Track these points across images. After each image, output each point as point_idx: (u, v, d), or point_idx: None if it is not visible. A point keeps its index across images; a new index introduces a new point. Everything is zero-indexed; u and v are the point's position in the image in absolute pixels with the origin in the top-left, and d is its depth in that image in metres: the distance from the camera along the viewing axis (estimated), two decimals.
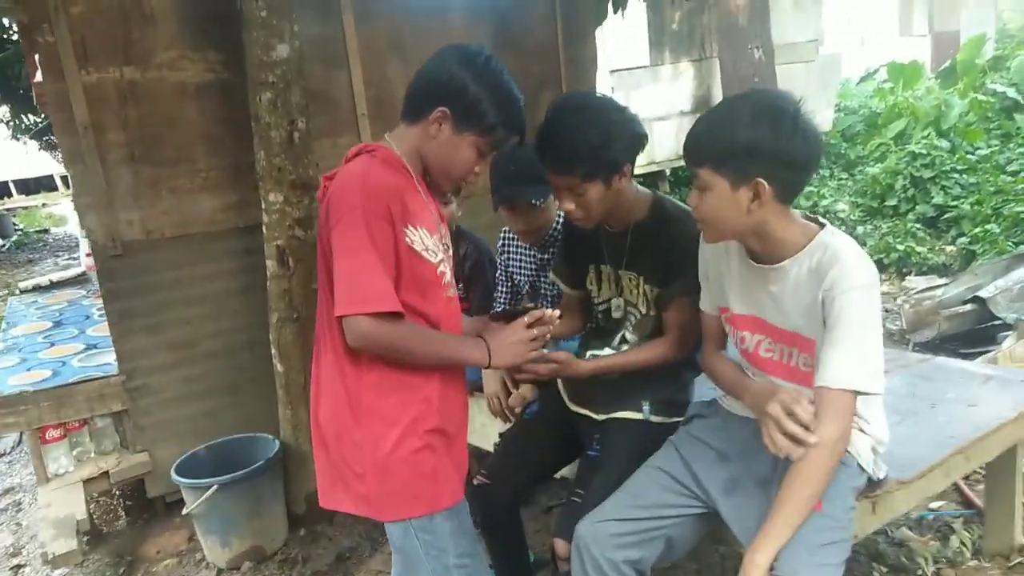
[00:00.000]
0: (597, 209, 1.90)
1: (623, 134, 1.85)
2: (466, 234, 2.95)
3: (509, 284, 2.75)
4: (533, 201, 2.31)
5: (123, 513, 3.70)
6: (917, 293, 4.93)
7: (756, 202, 1.55)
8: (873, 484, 1.75)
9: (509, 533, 2.27)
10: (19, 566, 3.38)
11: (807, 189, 7.75)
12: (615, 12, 4.69)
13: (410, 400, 1.64)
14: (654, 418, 2.01)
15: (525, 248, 2.64)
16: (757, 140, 1.51)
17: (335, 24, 3.55)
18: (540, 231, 2.48)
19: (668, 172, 9.36)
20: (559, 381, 2.23)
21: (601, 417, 2.08)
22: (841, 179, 8.59)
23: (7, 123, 12.36)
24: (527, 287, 2.67)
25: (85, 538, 3.33)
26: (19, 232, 13.47)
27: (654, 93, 8.92)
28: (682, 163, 8.81)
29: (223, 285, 3.47)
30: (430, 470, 1.66)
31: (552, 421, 2.20)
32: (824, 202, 7.05)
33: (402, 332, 1.58)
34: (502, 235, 2.74)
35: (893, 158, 7.72)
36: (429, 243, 1.65)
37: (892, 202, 7.11)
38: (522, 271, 2.68)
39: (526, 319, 1.73)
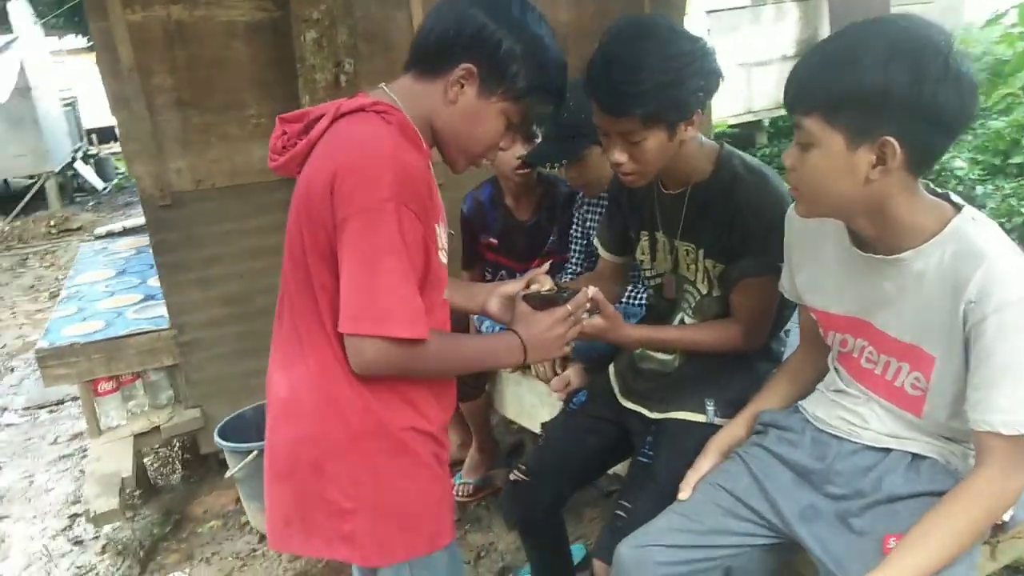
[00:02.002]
0: (654, 164, 1.56)
1: (698, 70, 1.49)
2: (553, 178, 2.64)
3: (584, 243, 2.46)
4: (547, 166, 2.10)
5: (180, 467, 3.65)
6: None
7: (880, 168, 1.18)
8: (995, 527, 1.41)
9: (549, 535, 2.01)
10: (76, 515, 3.36)
11: None
12: None
13: (421, 419, 1.37)
14: (718, 421, 1.69)
15: (594, 203, 2.35)
16: (892, 84, 1.12)
17: None
18: (594, 185, 2.19)
19: (767, 122, 8.76)
20: (611, 371, 1.94)
21: (655, 416, 1.78)
22: None
23: None
24: None
25: (138, 492, 3.30)
26: (120, 176, 13.80)
27: (754, 35, 8.31)
28: (783, 112, 8.30)
29: (276, 239, 3.25)
30: (435, 502, 1.41)
31: (600, 416, 1.91)
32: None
33: (423, 354, 1.29)
34: None
35: (1021, 110, 6.96)
36: (444, 240, 1.38)
37: (1018, 159, 6.40)
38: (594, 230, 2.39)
39: (569, 307, 1.43)
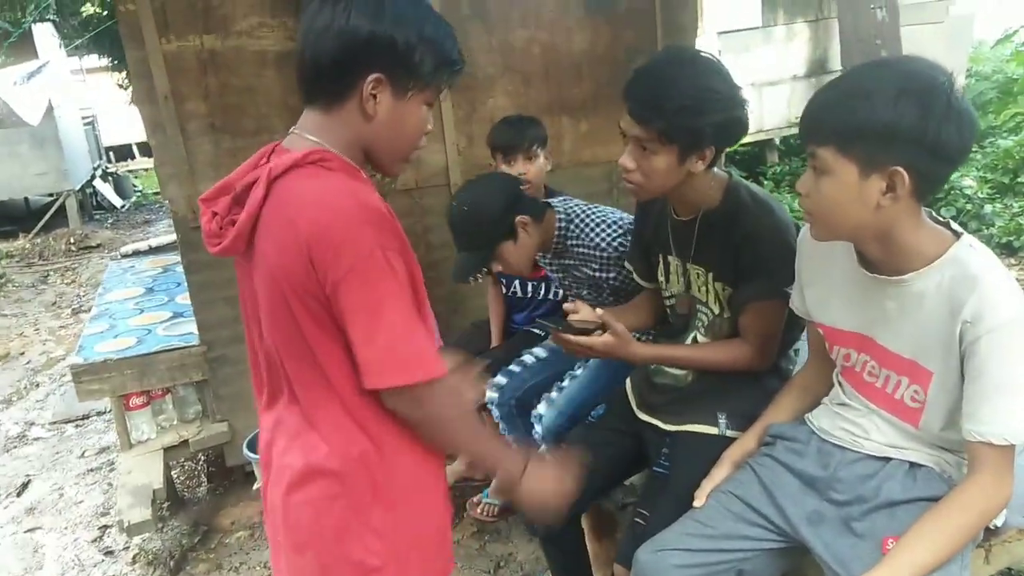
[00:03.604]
0: (657, 182, 1.68)
1: (721, 110, 1.61)
2: (559, 192, 2.73)
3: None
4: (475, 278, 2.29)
5: (205, 479, 3.76)
6: None
7: (890, 195, 1.29)
8: (988, 532, 1.51)
9: (569, 545, 2.11)
10: (106, 526, 3.47)
11: None
12: None
13: (431, 455, 1.38)
14: (730, 433, 1.79)
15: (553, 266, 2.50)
16: (902, 120, 1.24)
17: None
18: (519, 268, 2.29)
19: (778, 141, 8.87)
20: (628, 385, 2.04)
21: (670, 428, 1.88)
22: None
23: (125, 88, 12.89)
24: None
25: (166, 504, 3.41)
26: (138, 193, 14.03)
27: (765, 56, 8.44)
28: (794, 131, 8.38)
29: None
30: (444, 533, 1.44)
31: (617, 428, 2.01)
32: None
33: (452, 405, 1.29)
34: None
35: None
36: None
37: None
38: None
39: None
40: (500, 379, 2.58)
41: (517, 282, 2.85)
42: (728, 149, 1.71)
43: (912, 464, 1.47)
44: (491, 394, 2.54)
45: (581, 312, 1.78)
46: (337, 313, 1.22)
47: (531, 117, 2.83)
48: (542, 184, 2.71)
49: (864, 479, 1.48)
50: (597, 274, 2.25)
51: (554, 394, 2.37)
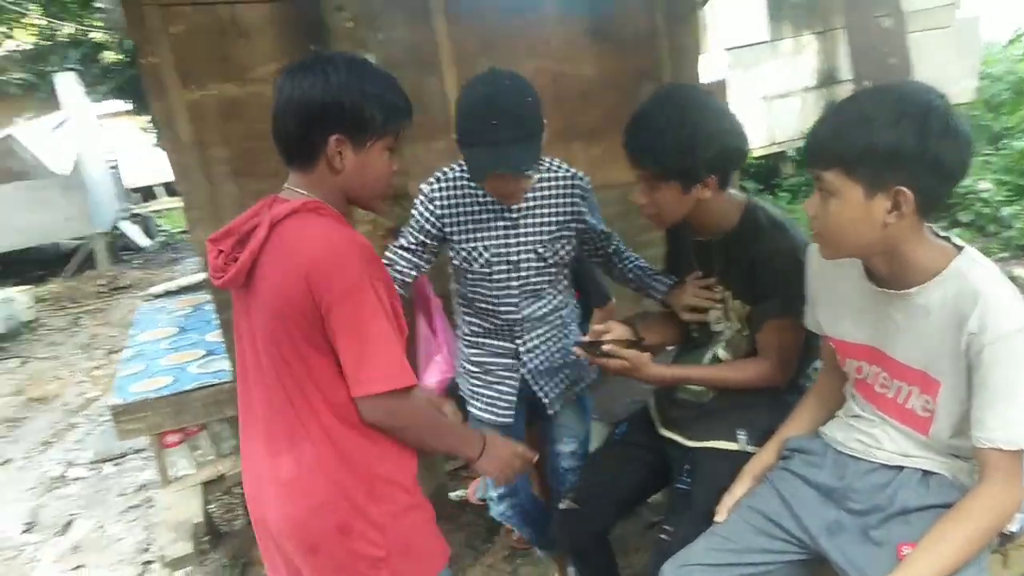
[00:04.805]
0: (668, 212, 1.80)
1: (712, 145, 1.70)
2: None
3: (426, 248, 2.08)
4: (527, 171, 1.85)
5: (242, 512, 3.83)
6: None
7: (895, 213, 1.35)
8: (1004, 537, 1.55)
9: (598, 559, 2.16)
10: (148, 562, 3.56)
11: None
12: None
13: (407, 456, 1.58)
14: (751, 448, 1.84)
15: (487, 201, 2.02)
16: (902, 141, 1.30)
17: (426, 28, 3.51)
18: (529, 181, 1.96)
19: (792, 152, 8.89)
20: (651, 403, 2.11)
21: (691, 444, 1.93)
22: (984, 154, 7.86)
23: (148, 131, 13.19)
24: (485, 260, 2.04)
25: (206, 537, 3.48)
26: (164, 233, 14.29)
27: (774, 69, 8.49)
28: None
29: None
30: (433, 523, 1.63)
31: (642, 444, 2.07)
32: (964, 181, 6.41)
33: (424, 411, 1.57)
34: (439, 179, 2.09)
35: None
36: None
37: None
38: (479, 236, 2.03)
39: (528, 454, 1.77)
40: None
41: None
42: (734, 172, 1.80)
43: (925, 472, 1.52)
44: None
45: (613, 332, 1.87)
46: (329, 331, 1.43)
47: None
48: None
49: (879, 488, 1.53)
50: (562, 207, 2.04)
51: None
